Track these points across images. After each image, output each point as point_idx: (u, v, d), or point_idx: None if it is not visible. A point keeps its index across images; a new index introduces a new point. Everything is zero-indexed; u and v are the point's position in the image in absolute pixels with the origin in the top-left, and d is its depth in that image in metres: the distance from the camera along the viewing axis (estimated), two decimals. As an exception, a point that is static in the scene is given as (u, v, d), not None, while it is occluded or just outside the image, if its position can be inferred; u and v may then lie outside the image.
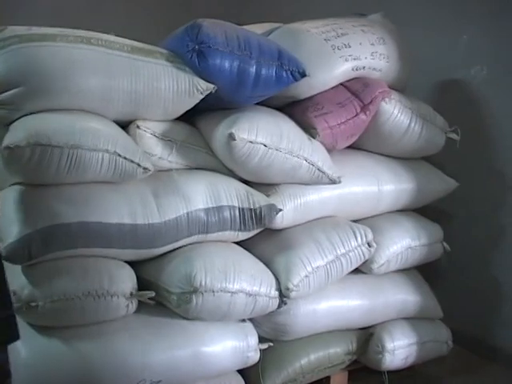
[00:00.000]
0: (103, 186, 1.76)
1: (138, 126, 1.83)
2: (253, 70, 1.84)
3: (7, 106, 1.70)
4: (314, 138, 1.94)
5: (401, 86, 2.20)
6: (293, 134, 1.90)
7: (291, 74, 1.89)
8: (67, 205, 1.70)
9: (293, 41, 2.00)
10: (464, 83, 2.45)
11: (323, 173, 1.93)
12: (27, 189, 1.72)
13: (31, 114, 1.72)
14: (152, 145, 1.85)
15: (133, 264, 1.83)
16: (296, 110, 2.00)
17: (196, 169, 1.94)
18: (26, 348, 1.65)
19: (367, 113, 2.01)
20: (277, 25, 2.12)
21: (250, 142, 1.81)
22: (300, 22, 2.08)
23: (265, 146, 1.83)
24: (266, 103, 1.98)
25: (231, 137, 1.78)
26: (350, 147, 2.11)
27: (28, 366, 1.64)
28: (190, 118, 1.97)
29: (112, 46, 1.78)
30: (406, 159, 2.25)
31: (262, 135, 1.83)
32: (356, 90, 2.04)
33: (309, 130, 1.95)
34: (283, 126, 1.90)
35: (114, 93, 1.76)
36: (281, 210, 1.91)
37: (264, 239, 1.99)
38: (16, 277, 1.67)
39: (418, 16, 2.55)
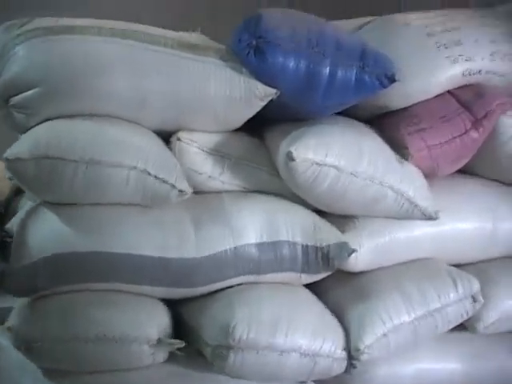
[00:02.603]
0: (130, 209, 1.48)
1: (179, 139, 1.50)
2: (326, 71, 1.47)
3: (23, 110, 1.45)
4: (406, 160, 1.52)
5: None
6: (377, 155, 1.52)
7: (377, 78, 1.50)
8: (83, 230, 1.45)
9: (385, 36, 1.62)
10: None
11: (415, 206, 1.53)
12: (40, 207, 1.48)
13: (49, 119, 1.45)
14: (199, 161, 1.53)
15: (173, 301, 1.54)
16: (387, 123, 1.62)
17: (255, 192, 1.59)
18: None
19: (480, 130, 1.58)
20: (370, 18, 1.72)
21: (317, 163, 1.44)
22: (400, 14, 1.68)
23: (336, 169, 1.45)
24: (349, 114, 1.61)
25: (289, 157, 1.43)
26: (459, 171, 1.69)
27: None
28: (258, 128, 1.63)
29: (152, 39, 1.49)
30: None
31: (333, 155, 1.46)
32: (466, 100, 1.61)
33: (401, 149, 1.54)
34: (365, 144, 1.53)
35: (150, 96, 1.47)
36: (354, 250, 1.51)
37: (342, 282, 1.62)
38: (16, 309, 1.46)
39: None
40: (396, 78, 1.50)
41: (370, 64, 1.49)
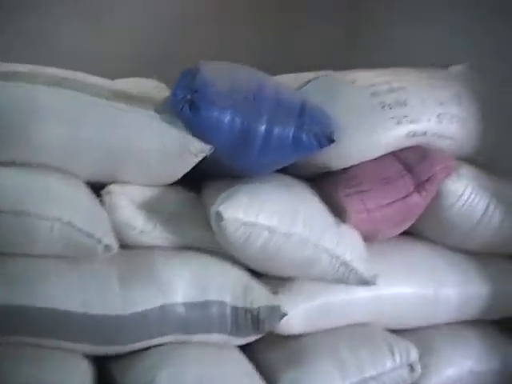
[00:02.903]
0: (58, 262, 1.42)
1: (109, 192, 1.46)
2: (261, 129, 1.43)
3: None
4: (344, 222, 1.48)
5: (485, 160, 1.71)
6: (313, 217, 1.47)
7: (315, 137, 1.46)
8: (8, 282, 1.37)
9: (329, 94, 1.57)
10: None
11: (351, 270, 1.48)
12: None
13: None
14: (130, 215, 1.48)
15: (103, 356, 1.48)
16: (326, 183, 1.58)
17: (188, 248, 1.53)
18: None
19: (423, 193, 1.53)
20: (316, 74, 1.68)
21: (248, 223, 1.39)
22: (346, 71, 1.64)
23: (269, 230, 1.40)
24: (289, 172, 1.57)
25: (218, 216, 1.38)
26: (403, 233, 1.65)
27: None
28: (198, 182, 1.59)
29: (87, 89, 1.45)
30: (479, 255, 1.72)
31: (265, 215, 1.41)
32: (410, 162, 1.57)
33: (339, 211, 1.50)
34: (301, 204, 1.48)
35: (83, 147, 1.42)
36: (286, 314, 1.46)
37: (276, 345, 1.56)
38: None
39: None
40: (335, 137, 1.46)
41: (308, 122, 1.45)
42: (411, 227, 1.62)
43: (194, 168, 1.50)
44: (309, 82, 1.62)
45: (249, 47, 2.44)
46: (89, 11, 2.33)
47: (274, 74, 1.70)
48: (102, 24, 2.35)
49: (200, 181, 1.59)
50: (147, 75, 1.69)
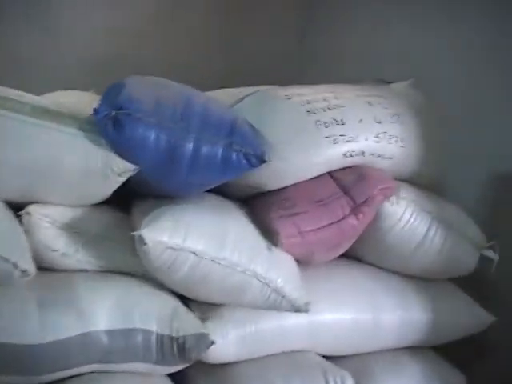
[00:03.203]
0: None
1: (28, 212, 1.38)
2: (189, 148, 1.36)
3: None
4: (276, 246, 1.42)
5: (426, 181, 1.66)
6: (243, 240, 1.41)
7: (245, 157, 1.39)
8: None
9: (263, 111, 1.52)
10: None
11: (283, 297, 1.42)
12: None
13: None
14: (51, 237, 1.41)
15: None
16: (258, 205, 1.52)
17: (113, 272, 1.47)
18: None
19: (360, 216, 1.47)
20: (253, 89, 1.61)
21: (172, 247, 1.33)
22: (284, 87, 1.58)
23: (195, 254, 1.34)
24: (221, 192, 1.51)
25: (141, 240, 1.30)
26: (342, 256, 1.58)
27: None
28: (130, 201, 1.53)
29: (7, 105, 1.36)
30: (420, 279, 1.67)
31: (192, 239, 1.35)
32: (347, 183, 1.50)
33: (271, 235, 1.44)
34: (231, 227, 1.42)
35: (0, 165, 1.33)
36: (213, 342, 1.39)
37: (206, 373, 1.50)
38: None
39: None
40: (266, 157, 1.40)
41: (238, 141, 1.39)
42: (349, 250, 1.57)
43: (123, 186, 1.44)
44: (243, 98, 1.56)
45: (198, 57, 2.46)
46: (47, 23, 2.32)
47: (221, 84, 1.66)
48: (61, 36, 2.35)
49: (131, 200, 1.54)
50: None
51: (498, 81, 1.87)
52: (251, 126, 1.46)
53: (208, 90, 1.61)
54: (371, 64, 2.25)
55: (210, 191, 1.49)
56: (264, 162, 1.40)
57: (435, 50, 2.02)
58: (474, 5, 1.94)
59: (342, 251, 1.54)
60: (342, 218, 1.47)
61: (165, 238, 1.33)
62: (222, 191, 1.50)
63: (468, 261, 1.65)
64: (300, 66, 2.56)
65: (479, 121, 1.89)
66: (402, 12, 2.14)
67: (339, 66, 2.41)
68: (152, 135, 1.34)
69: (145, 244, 1.31)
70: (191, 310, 1.47)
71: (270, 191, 1.51)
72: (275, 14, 2.54)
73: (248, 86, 1.68)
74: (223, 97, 1.58)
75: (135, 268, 1.46)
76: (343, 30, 2.41)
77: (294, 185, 1.50)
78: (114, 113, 1.33)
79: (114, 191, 1.45)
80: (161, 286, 1.44)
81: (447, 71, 1.97)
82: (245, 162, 1.40)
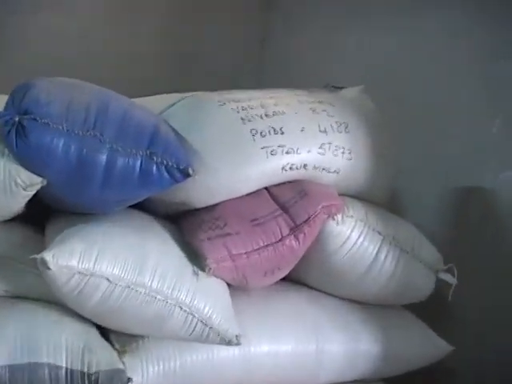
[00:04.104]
0: None
1: None
2: (102, 159, 1.22)
3: None
4: (204, 271, 1.29)
5: (378, 197, 1.53)
6: (166, 265, 1.27)
7: (167, 170, 1.25)
8: None
9: (192, 119, 1.38)
10: (488, 193, 1.72)
11: (211, 328, 1.28)
12: None
13: None
14: None
15: None
16: (187, 224, 1.38)
17: (19, 297, 1.34)
18: None
19: (300, 237, 1.34)
20: (186, 94, 1.46)
21: (82, 272, 1.19)
22: (219, 92, 1.44)
23: (109, 280, 1.20)
24: (148, 208, 1.37)
25: (44, 264, 1.16)
26: (283, 280, 1.45)
27: None
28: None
29: None
30: (371, 305, 1.54)
31: (104, 263, 1.22)
32: (286, 200, 1.38)
33: (199, 258, 1.30)
34: (153, 249, 1.28)
35: None
36: (130, 380, 1.25)
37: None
38: None
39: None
40: (191, 171, 1.26)
41: (159, 152, 1.25)
42: (291, 274, 1.44)
43: (37, 201, 1.31)
44: (174, 104, 1.42)
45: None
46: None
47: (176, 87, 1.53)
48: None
49: (47, 216, 1.40)
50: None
51: (457, 91, 1.78)
52: (177, 134, 1.32)
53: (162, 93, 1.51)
54: (332, 65, 2.16)
55: (132, 207, 1.35)
56: (189, 175, 1.27)
57: (395, 55, 1.93)
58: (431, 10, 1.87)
59: (281, 275, 1.41)
60: (280, 240, 1.34)
61: (73, 262, 1.19)
62: (146, 207, 1.37)
63: (424, 285, 1.52)
64: (260, 68, 2.48)
65: (437, 131, 1.80)
66: (363, 12, 2.05)
67: (300, 66, 2.31)
68: (61, 144, 1.20)
69: (49, 269, 1.18)
70: (110, 341, 1.33)
71: (199, 209, 1.38)
72: (236, 16, 2.47)
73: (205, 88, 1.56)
74: (155, 103, 1.44)
75: (44, 292, 1.31)
76: (303, 31, 2.31)
77: (226, 202, 1.37)
78: (17, 118, 1.20)
79: (28, 206, 1.32)
80: (73, 313, 1.30)
81: (404, 77, 1.87)
82: (167, 175, 1.26)
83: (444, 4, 1.83)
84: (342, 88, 1.59)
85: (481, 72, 1.77)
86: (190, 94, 1.45)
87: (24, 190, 1.23)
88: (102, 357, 1.28)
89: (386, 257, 1.44)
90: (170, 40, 2.45)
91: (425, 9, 1.89)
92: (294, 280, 1.50)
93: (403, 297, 1.53)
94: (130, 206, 1.35)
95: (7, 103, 1.25)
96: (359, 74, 1.90)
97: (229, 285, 1.36)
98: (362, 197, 1.49)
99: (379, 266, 1.44)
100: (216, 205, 1.37)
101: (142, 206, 1.37)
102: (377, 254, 1.43)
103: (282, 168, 1.37)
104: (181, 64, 2.44)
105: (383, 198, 1.54)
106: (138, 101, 1.38)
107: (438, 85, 1.84)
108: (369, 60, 1.99)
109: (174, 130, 1.33)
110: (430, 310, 1.58)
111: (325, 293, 1.51)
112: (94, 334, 1.32)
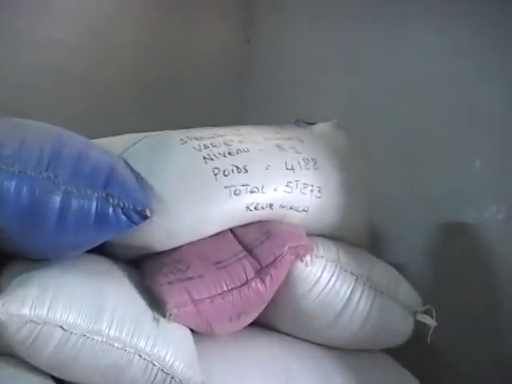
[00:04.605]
0: None
1: None
2: (56, 201, 1.19)
3: None
4: (165, 317, 1.24)
5: (351, 235, 1.48)
6: (124, 312, 1.23)
7: (123, 212, 1.22)
8: None
9: (154, 158, 1.35)
10: (472, 229, 1.68)
11: (173, 377, 1.23)
12: None
13: None
14: None
15: None
16: (148, 268, 1.34)
17: None
18: None
19: (266, 280, 1.31)
20: (147, 134, 1.43)
21: (35, 321, 1.14)
22: (181, 131, 1.40)
23: (63, 328, 1.16)
24: (108, 252, 1.33)
25: None
26: (253, 323, 1.40)
27: None
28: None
29: None
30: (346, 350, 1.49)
31: (60, 311, 1.17)
32: (251, 241, 1.35)
33: (159, 303, 1.26)
34: (110, 296, 1.24)
35: None
36: None
37: None
38: None
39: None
40: (149, 213, 1.22)
41: (115, 193, 1.22)
42: (260, 318, 1.39)
43: None
44: (135, 144, 1.38)
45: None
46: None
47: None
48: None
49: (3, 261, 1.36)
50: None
51: (441, 127, 1.76)
52: (136, 175, 1.29)
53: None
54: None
55: (91, 251, 1.30)
56: (147, 217, 1.23)
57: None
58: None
59: (249, 320, 1.37)
60: (246, 283, 1.30)
61: (24, 310, 1.15)
62: (104, 251, 1.33)
63: (401, 328, 1.47)
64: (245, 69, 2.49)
65: (422, 168, 1.78)
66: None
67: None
68: (12, 186, 1.17)
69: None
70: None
71: (160, 252, 1.33)
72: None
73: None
74: (115, 143, 1.41)
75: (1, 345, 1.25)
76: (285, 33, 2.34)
77: (189, 244, 1.33)
78: None
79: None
80: (27, 365, 1.23)
81: (383, 111, 1.86)
82: (124, 218, 1.23)
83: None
84: (313, 123, 1.57)
85: (467, 106, 1.75)
86: (152, 133, 1.43)
87: None
88: None
89: (359, 299, 1.40)
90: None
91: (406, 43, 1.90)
92: (263, 325, 1.44)
93: (379, 341, 1.49)
94: (87, 251, 1.30)
95: None
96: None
97: (193, 331, 1.31)
98: (334, 236, 1.45)
99: (352, 308, 1.39)
100: (177, 247, 1.33)
101: (101, 250, 1.32)
102: (349, 296, 1.39)
103: (247, 208, 1.34)
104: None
105: (358, 237, 1.51)
106: (97, 141, 1.36)
107: (421, 122, 1.81)
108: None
109: (133, 170, 1.30)
110: (409, 352, 1.51)
111: (295, 337, 1.45)
112: None
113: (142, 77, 2.36)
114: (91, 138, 1.35)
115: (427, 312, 1.46)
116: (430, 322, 1.45)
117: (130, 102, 2.32)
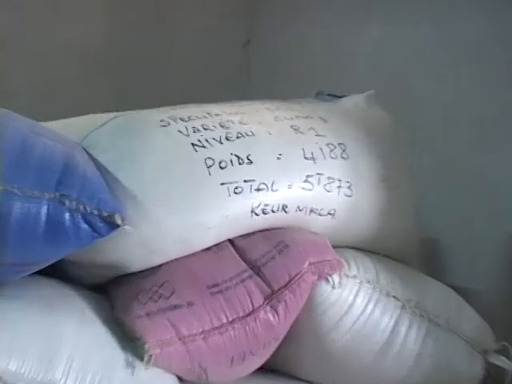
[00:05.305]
0: None
1: None
2: None
3: None
4: (142, 360, 0.98)
5: (394, 247, 1.21)
6: (87, 355, 0.98)
7: (85, 220, 0.96)
8: None
9: (123, 146, 1.06)
10: None
11: None
12: None
13: None
14: None
15: None
16: (121, 295, 1.07)
17: None
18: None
19: (279, 308, 1.04)
20: (117, 114, 1.14)
21: None
22: (162, 109, 1.13)
23: (1, 380, 0.93)
24: (67, 274, 1.07)
25: None
26: (263, 368, 1.13)
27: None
28: None
29: None
30: None
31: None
32: (259, 257, 1.07)
33: (135, 342, 1.00)
34: (69, 334, 0.98)
35: None
36: None
37: None
38: None
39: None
40: (119, 220, 0.96)
41: (73, 195, 0.96)
42: (271, 362, 1.12)
43: None
44: (102, 125, 1.11)
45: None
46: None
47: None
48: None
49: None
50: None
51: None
52: (101, 169, 1.02)
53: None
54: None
55: (41, 273, 1.04)
56: (117, 226, 0.97)
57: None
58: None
59: (257, 364, 1.09)
60: (252, 313, 1.04)
61: None
62: (60, 272, 1.07)
63: (466, 370, 1.17)
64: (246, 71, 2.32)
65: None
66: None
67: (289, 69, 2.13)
68: None
69: None
70: None
71: (136, 272, 1.07)
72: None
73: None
74: (74, 126, 1.15)
75: None
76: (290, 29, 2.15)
77: (174, 262, 1.07)
78: None
79: None
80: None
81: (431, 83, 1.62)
82: (86, 226, 0.97)
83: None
84: (341, 96, 1.30)
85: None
86: (123, 112, 1.15)
87: None
88: None
89: (407, 332, 1.12)
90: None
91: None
92: (277, 370, 1.17)
93: (437, 386, 1.24)
94: (38, 272, 1.04)
95: None
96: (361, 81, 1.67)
97: (181, 379, 1.05)
98: (371, 248, 1.18)
99: (398, 344, 1.11)
100: (159, 266, 1.06)
101: (55, 271, 1.07)
102: (394, 327, 1.11)
103: (252, 211, 1.07)
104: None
105: (405, 250, 1.24)
106: (50, 124, 1.10)
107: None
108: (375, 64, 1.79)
109: (97, 162, 1.03)
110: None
111: (319, 384, 1.24)
112: None
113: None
114: (42, 120, 1.09)
115: (502, 351, 1.18)
116: (507, 364, 1.17)
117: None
